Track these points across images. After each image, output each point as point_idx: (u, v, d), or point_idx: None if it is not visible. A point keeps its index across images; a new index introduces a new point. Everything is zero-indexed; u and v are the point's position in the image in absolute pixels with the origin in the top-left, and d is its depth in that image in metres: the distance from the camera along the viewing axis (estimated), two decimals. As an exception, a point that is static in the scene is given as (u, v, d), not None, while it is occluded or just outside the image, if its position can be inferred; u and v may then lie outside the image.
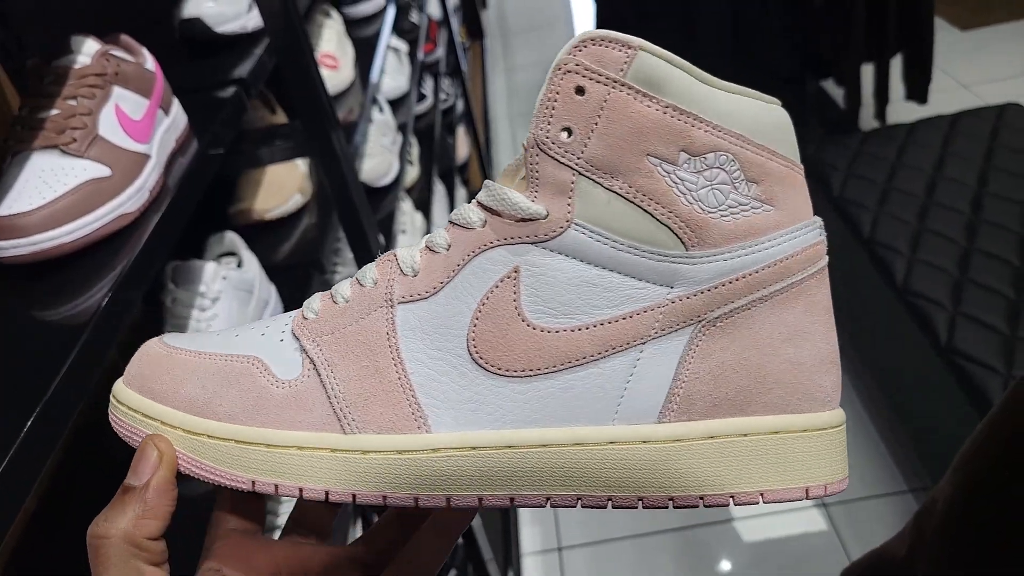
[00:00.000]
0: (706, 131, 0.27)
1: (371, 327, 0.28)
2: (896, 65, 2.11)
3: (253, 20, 0.92)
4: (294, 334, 0.30)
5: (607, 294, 0.26)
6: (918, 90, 2.11)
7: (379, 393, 0.27)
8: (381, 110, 1.58)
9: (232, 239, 0.89)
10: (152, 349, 0.32)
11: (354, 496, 0.26)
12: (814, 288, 0.28)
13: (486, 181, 0.28)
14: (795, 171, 0.28)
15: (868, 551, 0.60)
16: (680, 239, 0.27)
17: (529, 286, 0.26)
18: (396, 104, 1.69)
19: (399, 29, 1.97)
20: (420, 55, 1.95)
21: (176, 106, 0.71)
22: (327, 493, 0.26)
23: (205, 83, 0.83)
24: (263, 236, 1.04)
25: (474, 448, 0.26)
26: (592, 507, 0.26)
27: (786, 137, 0.29)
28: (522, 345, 0.26)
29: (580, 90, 0.26)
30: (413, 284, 0.28)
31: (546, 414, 0.26)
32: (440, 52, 2.42)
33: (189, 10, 0.89)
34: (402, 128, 1.59)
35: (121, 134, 0.60)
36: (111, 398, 0.32)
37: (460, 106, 2.73)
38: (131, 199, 0.58)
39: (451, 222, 0.29)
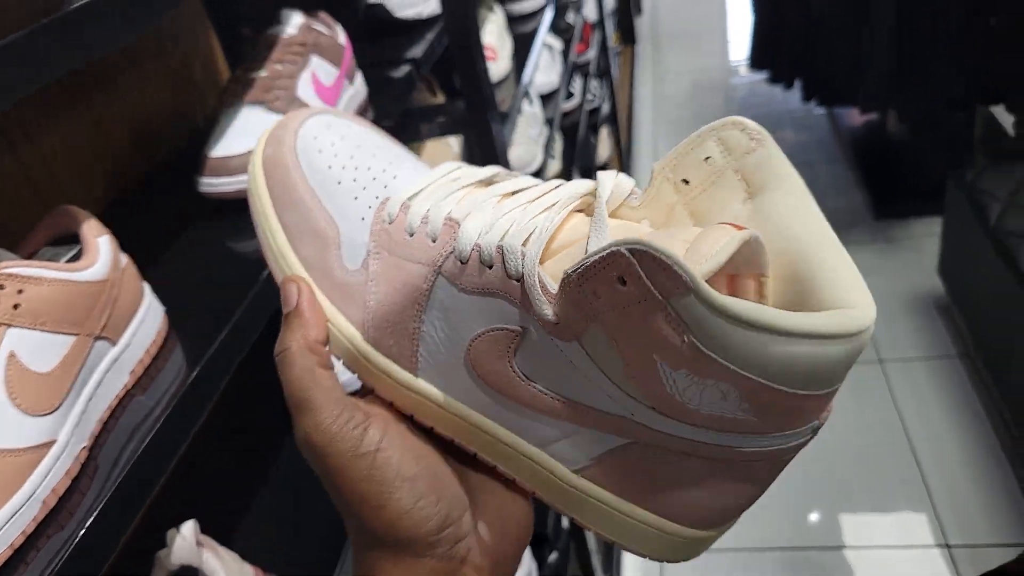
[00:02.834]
0: (720, 368, 0.24)
1: (416, 274, 0.31)
2: (1080, 95, 1.95)
3: (429, 7, 1.00)
4: (370, 224, 0.33)
5: (589, 387, 0.28)
6: (1101, 123, 1.95)
7: (396, 329, 0.32)
8: (531, 103, 1.63)
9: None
10: (286, 143, 0.36)
11: (373, 388, 0.34)
12: (757, 468, 0.29)
13: (536, 269, 0.28)
14: (801, 400, 0.26)
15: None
16: (667, 406, 0.27)
17: (526, 347, 0.30)
18: (546, 99, 1.75)
19: (556, 28, 2.02)
20: (573, 55, 2.00)
21: (359, 78, 0.79)
22: (340, 360, 0.34)
23: (383, 60, 0.91)
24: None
25: (440, 406, 0.32)
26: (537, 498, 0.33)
27: (815, 381, 0.25)
28: (503, 378, 0.31)
29: (622, 281, 0.24)
30: (458, 272, 0.30)
31: (501, 418, 0.32)
32: (592, 53, 2.46)
33: (374, -5, 0.97)
34: (549, 122, 1.65)
35: (314, 97, 0.68)
36: (251, 165, 0.37)
37: (606, 108, 2.76)
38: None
39: (502, 249, 0.30)
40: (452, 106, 1.06)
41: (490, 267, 0.30)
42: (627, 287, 0.24)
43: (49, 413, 0.37)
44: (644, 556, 0.32)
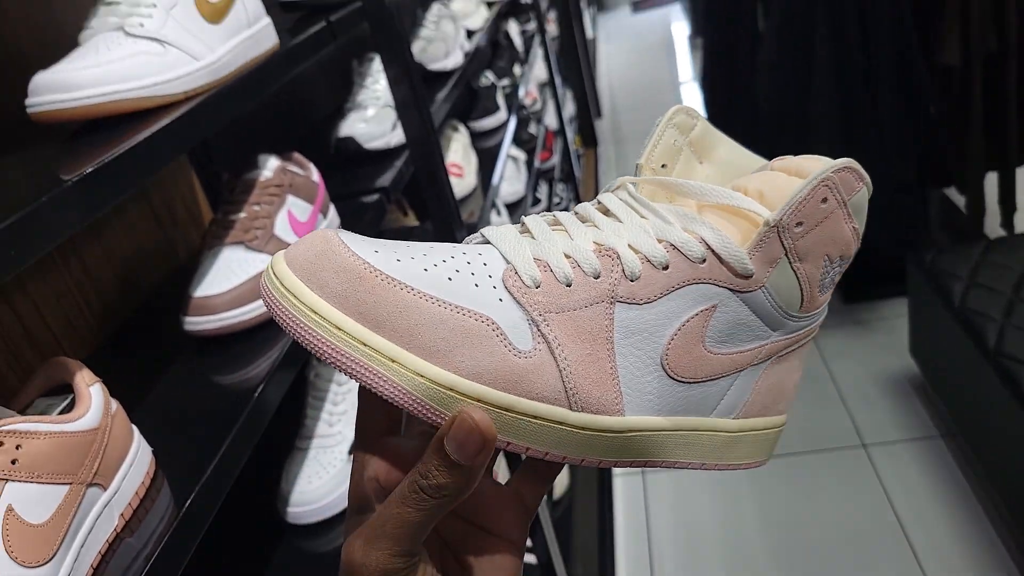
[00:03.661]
0: (855, 248, 0.35)
1: (594, 317, 0.32)
2: (1022, 173, 2.07)
3: (396, 137, 1.07)
4: (514, 298, 0.31)
5: (749, 332, 0.35)
6: (1046, 199, 2.06)
7: (597, 378, 0.32)
8: (499, 213, 1.71)
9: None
10: (337, 250, 0.29)
11: (564, 457, 0.32)
12: (804, 346, 0.38)
13: (721, 235, 0.33)
14: None
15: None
16: (803, 305, 0.35)
17: (716, 320, 0.34)
18: (512, 207, 1.83)
19: (518, 139, 2.13)
20: (537, 163, 2.10)
21: (332, 210, 0.84)
22: (547, 454, 0.31)
23: (355, 190, 0.97)
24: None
25: (653, 431, 0.34)
26: (693, 468, 0.36)
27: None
28: (696, 361, 0.34)
29: (825, 200, 0.34)
30: (633, 289, 0.32)
31: (684, 407, 0.35)
32: (555, 159, 2.57)
33: (344, 130, 1.04)
34: (519, 230, 1.71)
35: (291, 233, 0.73)
36: (272, 281, 0.29)
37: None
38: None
39: (671, 244, 0.33)
40: (423, 228, 1.11)
41: (666, 268, 0.33)
42: (828, 201, 0.34)
43: (44, 564, 0.39)
44: (754, 465, 0.38)
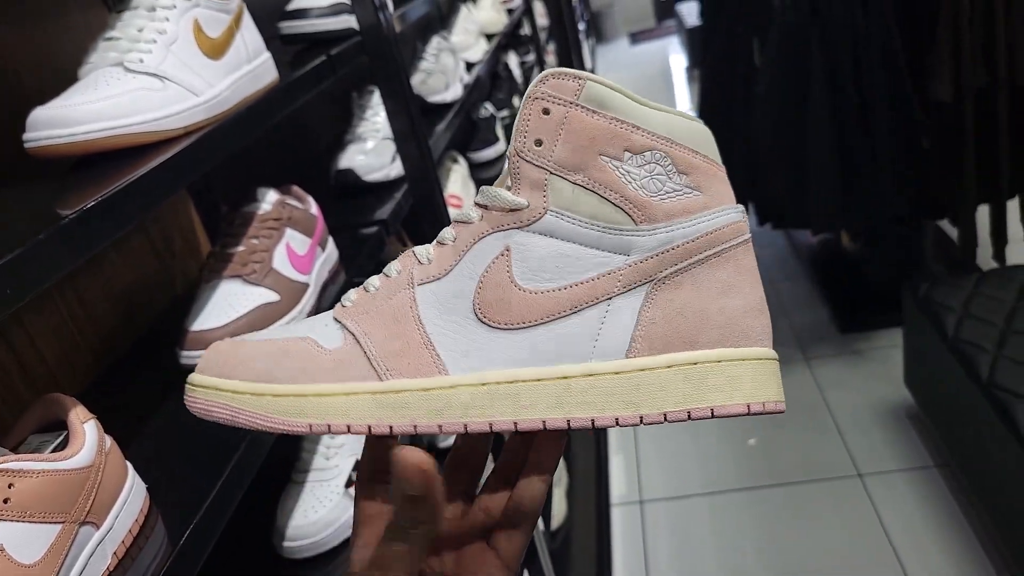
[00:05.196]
0: (642, 135, 0.35)
1: (398, 304, 0.36)
2: (1014, 206, 2.09)
3: (396, 169, 1.08)
4: (335, 319, 0.37)
5: (579, 263, 0.35)
6: (1039, 231, 2.07)
7: (407, 350, 0.35)
8: (498, 243, 1.71)
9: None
10: (221, 345, 0.37)
11: (391, 427, 0.34)
12: (741, 255, 0.36)
13: (482, 187, 0.36)
14: (716, 167, 0.37)
15: None
16: (631, 216, 0.35)
17: (519, 260, 0.35)
18: (512, 238, 1.83)
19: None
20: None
21: (330, 243, 0.84)
22: (370, 427, 0.34)
23: (354, 222, 0.97)
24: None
25: (483, 384, 0.34)
26: (579, 428, 0.34)
27: (706, 142, 0.37)
28: (516, 305, 0.35)
29: (546, 111, 0.34)
30: (428, 269, 0.36)
31: (536, 356, 0.35)
32: (554, 190, 2.58)
33: (344, 162, 1.05)
34: (516, 260, 1.71)
35: (289, 267, 0.73)
36: (187, 386, 0.36)
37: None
38: (292, 321, 0.70)
39: (454, 220, 0.37)
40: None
41: (454, 240, 0.36)
42: (551, 111, 0.34)
43: (35, 606, 0.39)
44: (745, 407, 0.34)
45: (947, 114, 2.03)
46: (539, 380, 0.34)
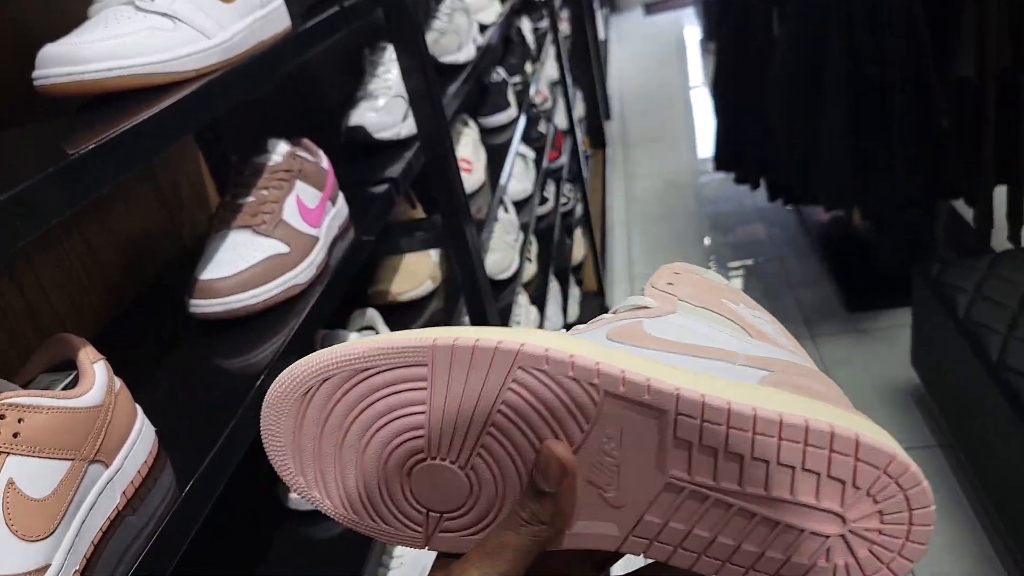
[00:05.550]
0: (753, 302, 0.41)
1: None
2: (1030, 188, 2.06)
3: (407, 128, 1.06)
4: None
5: (705, 339, 0.36)
6: (1054, 214, 2.05)
7: None
8: (506, 210, 1.70)
9: (372, 315, 0.99)
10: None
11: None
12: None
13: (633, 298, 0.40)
14: (801, 349, 0.40)
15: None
16: (747, 331, 0.38)
17: (648, 324, 0.37)
18: (520, 205, 1.82)
19: (528, 138, 2.12)
20: (545, 162, 2.09)
21: (341, 199, 0.84)
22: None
23: (363, 180, 0.96)
24: (396, 315, 1.15)
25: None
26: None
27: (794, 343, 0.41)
28: (644, 338, 0.36)
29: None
30: None
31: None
32: (564, 159, 2.57)
33: (354, 119, 1.04)
34: (524, 227, 1.71)
35: (299, 219, 0.72)
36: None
37: (579, 210, 2.86)
38: (302, 273, 0.69)
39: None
40: (430, 221, 1.11)
41: None
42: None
43: (44, 538, 0.39)
44: (890, 451, 0.30)
45: (968, 93, 2.00)
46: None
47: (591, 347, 0.32)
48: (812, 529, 0.31)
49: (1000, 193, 2.06)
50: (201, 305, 0.65)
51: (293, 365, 0.32)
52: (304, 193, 0.74)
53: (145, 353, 0.66)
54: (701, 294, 0.40)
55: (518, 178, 1.88)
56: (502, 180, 1.50)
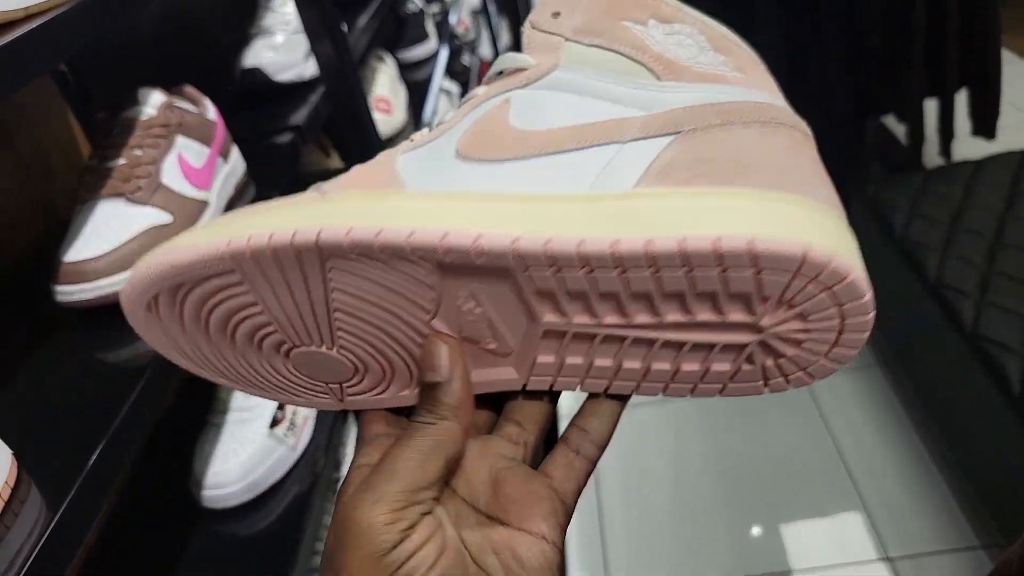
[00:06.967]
0: (672, 9, 0.32)
1: (377, 174, 0.32)
2: (961, 99, 2.05)
3: (310, 69, 0.95)
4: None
5: (588, 111, 0.29)
6: (985, 125, 2.05)
7: (366, 178, 0.31)
8: (434, 152, 1.60)
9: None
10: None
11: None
12: (801, 140, 0.29)
13: (509, 55, 0.33)
14: (760, 66, 0.32)
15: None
16: (653, 72, 0.30)
17: (517, 109, 0.30)
18: (448, 145, 1.72)
19: (451, 71, 2.00)
20: (472, 97, 1.98)
21: (235, 153, 0.73)
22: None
23: (264, 130, 0.85)
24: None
25: (448, 198, 0.28)
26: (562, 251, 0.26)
27: (741, 43, 0.33)
28: (508, 142, 0.29)
29: None
30: (415, 142, 0.32)
31: (514, 186, 0.28)
32: (492, 93, 2.45)
33: (249, 60, 0.92)
34: (454, 169, 1.61)
35: (183, 181, 0.62)
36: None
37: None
38: (190, 245, 0.60)
39: (461, 103, 0.33)
40: (347, 171, 1.01)
41: (451, 116, 0.32)
42: None
43: None
44: (810, 252, 0.24)
45: (895, 5, 1.96)
46: (504, 202, 0.27)
47: (403, 209, 0.27)
48: (724, 342, 0.27)
49: (931, 108, 2.05)
50: (68, 291, 0.55)
51: (125, 282, 0.29)
52: (187, 150, 0.64)
53: (3, 353, 0.56)
54: (595, 20, 0.32)
55: (443, 116, 1.77)
56: (425, 118, 1.40)
